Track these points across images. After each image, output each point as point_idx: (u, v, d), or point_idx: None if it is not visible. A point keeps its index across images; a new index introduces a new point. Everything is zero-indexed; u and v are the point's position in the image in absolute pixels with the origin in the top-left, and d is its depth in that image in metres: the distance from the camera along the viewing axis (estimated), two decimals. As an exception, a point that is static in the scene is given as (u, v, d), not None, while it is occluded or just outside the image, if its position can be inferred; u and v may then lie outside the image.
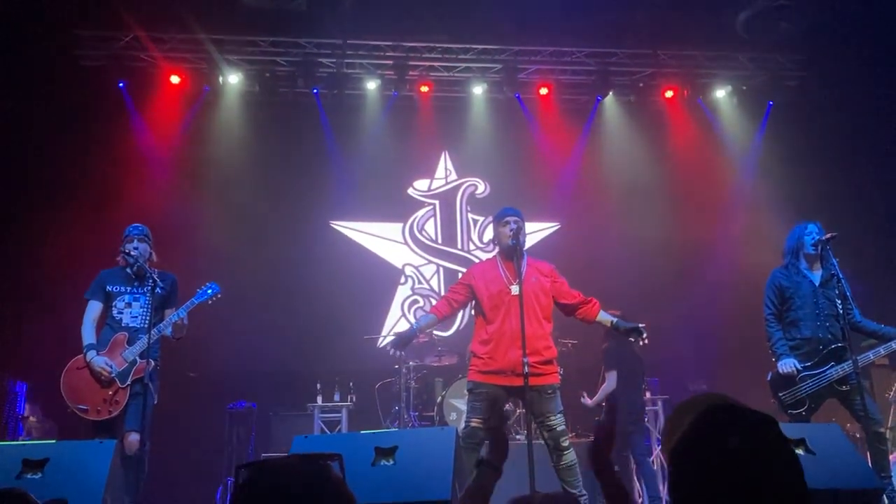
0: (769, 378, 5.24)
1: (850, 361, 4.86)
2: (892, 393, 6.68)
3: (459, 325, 9.28)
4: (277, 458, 1.48)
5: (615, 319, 4.91)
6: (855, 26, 8.13)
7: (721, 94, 9.92)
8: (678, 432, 1.41)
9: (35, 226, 7.84)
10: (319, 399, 7.73)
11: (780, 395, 5.15)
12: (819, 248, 5.14)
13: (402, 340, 4.99)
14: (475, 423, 4.65)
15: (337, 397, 7.77)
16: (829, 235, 5.14)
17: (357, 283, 9.01)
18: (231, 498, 1.43)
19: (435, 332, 8.75)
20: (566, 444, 4.61)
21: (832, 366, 5.03)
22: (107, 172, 8.20)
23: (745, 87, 9.80)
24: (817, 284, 5.24)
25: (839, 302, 5.00)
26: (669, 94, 9.71)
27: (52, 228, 7.82)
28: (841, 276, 4.99)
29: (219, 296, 5.26)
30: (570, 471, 4.58)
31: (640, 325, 4.81)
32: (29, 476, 3.65)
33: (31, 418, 7.26)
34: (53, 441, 4.83)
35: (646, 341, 4.82)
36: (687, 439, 1.38)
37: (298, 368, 8.22)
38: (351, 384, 7.92)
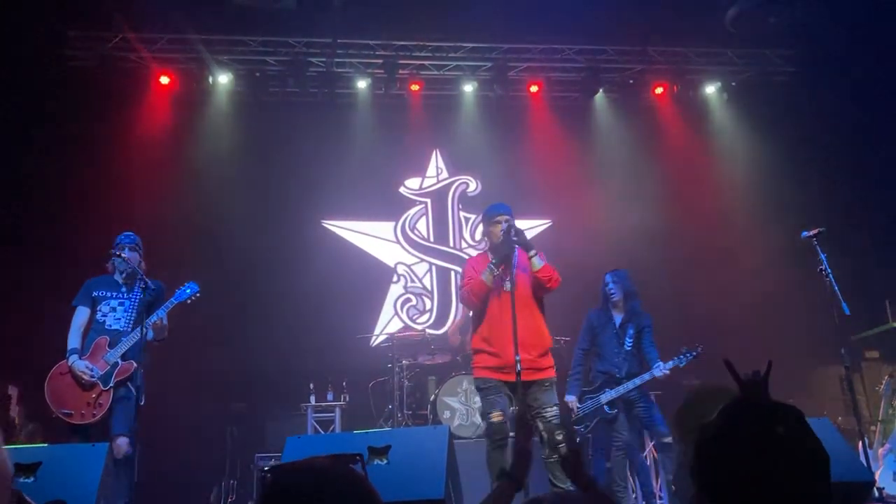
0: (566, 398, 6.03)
1: (617, 388, 5.91)
2: (881, 386, 6.72)
3: (451, 324, 9.29)
4: (303, 461, 1.47)
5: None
6: (843, 21, 8.17)
7: (711, 90, 9.95)
8: (699, 422, 1.43)
9: (23, 228, 7.81)
10: (312, 399, 7.72)
11: (578, 408, 6.07)
12: (625, 297, 6.15)
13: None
14: (496, 417, 4.64)
15: (330, 397, 7.76)
16: (816, 231, 5.21)
17: (349, 281, 9.00)
18: (258, 500, 1.42)
19: (428, 330, 8.78)
20: (560, 437, 4.61)
21: (605, 391, 5.98)
22: (96, 174, 8.16)
23: (734, 83, 9.84)
24: (618, 325, 6.12)
25: (630, 340, 6.04)
26: (659, 90, 9.74)
27: (41, 231, 7.80)
28: (829, 271, 5.04)
29: (197, 295, 5.27)
30: (559, 465, 4.52)
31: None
32: (22, 480, 3.65)
33: (16, 420, 7.23)
34: (45, 445, 4.83)
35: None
36: (721, 428, 1.39)
37: (291, 368, 8.20)
38: (344, 383, 7.91)
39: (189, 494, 7.30)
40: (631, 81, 9.70)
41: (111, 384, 5.00)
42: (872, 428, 6.67)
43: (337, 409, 7.68)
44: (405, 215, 9.79)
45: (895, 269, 8.14)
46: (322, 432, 7.47)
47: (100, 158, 8.27)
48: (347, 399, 7.81)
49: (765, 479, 1.30)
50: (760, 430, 1.34)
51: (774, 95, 9.52)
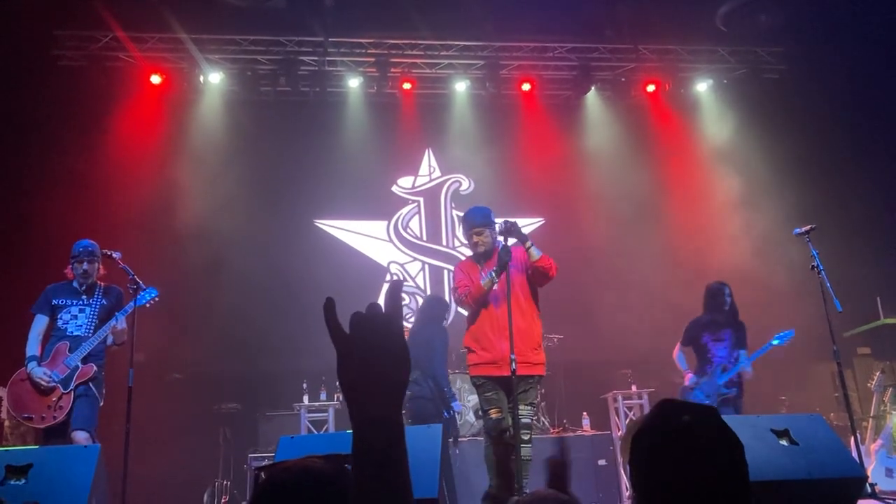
0: None
1: None
2: (873, 382, 6.74)
3: (446, 324, 9.27)
4: (296, 461, 1.45)
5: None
6: (833, 18, 8.20)
7: (702, 87, 9.98)
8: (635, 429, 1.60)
9: (13, 229, 7.76)
10: (306, 398, 7.69)
11: None
12: None
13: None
14: (494, 413, 4.64)
15: (323, 396, 7.73)
16: (808, 227, 5.22)
17: (342, 281, 8.96)
18: (251, 499, 1.40)
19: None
20: (527, 437, 4.59)
21: None
22: (86, 174, 8.11)
23: (725, 81, 9.88)
24: None
25: None
26: (651, 88, 9.76)
27: (35, 230, 7.74)
28: (821, 267, 5.05)
29: (156, 299, 5.34)
30: (524, 465, 4.46)
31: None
32: (13, 482, 3.62)
33: (7, 422, 7.18)
34: (37, 447, 4.84)
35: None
36: (644, 426, 1.55)
37: (284, 368, 8.18)
38: (337, 383, 7.88)
39: (182, 495, 7.27)
40: (623, 79, 9.72)
41: (72, 387, 5.08)
42: (865, 424, 6.69)
43: (330, 409, 7.66)
44: (398, 214, 9.78)
45: (886, 265, 8.18)
46: (315, 432, 7.45)
47: (90, 158, 8.21)
48: (341, 399, 7.78)
49: (677, 461, 1.46)
50: (670, 421, 1.52)
51: (766, 93, 9.54)
